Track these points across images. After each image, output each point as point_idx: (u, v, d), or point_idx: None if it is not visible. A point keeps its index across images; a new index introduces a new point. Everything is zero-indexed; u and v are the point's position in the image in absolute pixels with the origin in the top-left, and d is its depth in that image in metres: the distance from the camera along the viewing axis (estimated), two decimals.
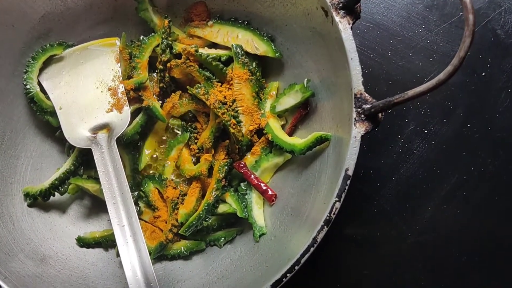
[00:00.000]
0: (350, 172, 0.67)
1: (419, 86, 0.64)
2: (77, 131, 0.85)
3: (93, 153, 0.82)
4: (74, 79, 0.88)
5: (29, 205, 0.86)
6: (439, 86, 0.62)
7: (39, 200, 0.86)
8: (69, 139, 0.85)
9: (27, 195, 0.85)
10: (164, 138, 0.92)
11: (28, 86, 0.85)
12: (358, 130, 0.68)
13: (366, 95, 0.68)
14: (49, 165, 0.91)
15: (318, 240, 0.67)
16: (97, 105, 0.86)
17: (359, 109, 0.68)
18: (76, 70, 0.88)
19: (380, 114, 0.68)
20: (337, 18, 0.70)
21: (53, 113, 0.87)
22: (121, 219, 0.77)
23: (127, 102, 0.86)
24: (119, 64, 0.88)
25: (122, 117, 0.85)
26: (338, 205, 0.67)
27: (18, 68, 0.86)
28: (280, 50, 0.87)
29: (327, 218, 0.66)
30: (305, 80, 0.82)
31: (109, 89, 0.87)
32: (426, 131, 0.94)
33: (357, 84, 0.69)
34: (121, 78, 0.87)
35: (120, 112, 0.86)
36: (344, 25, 0.70)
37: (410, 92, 0.65)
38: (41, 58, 0.86)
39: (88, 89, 0.87)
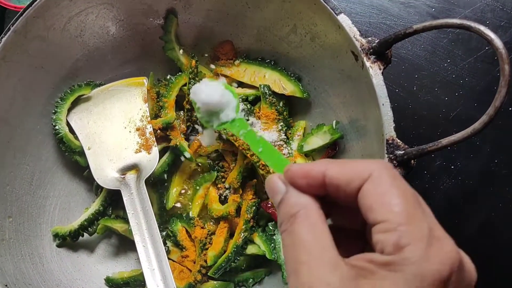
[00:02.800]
0: None
1: (453, 135, 0.63)
2: (106, 172, 0.85)
3: (122, 194, 0.82)
4: (102, 118, 0.88)
5: (58, 246, 0.86)
6: (474, 135, 0.62)
7: (68, 240, 0.86)
8: (98, 180, 0.85)
9: (56, 236, 0.85)
10: (191, 176, 0.92)
11: (57, 127, 0.85)
12: None
13: (398, 141, 0.68)
14: (77, 204, 0.91)
15: None
16: (126, 145, 0.86)
17: (392, 155, 0.67)
18: (104, 110, 0.88)
19: (412, 161, 0.68)
20: (367, 63, 0.70)
21: (82, 153, 0.87)
22: (151, 262, 0.77)
23: (156, 143, 0.86)
24: (147, 103, 0.88)
25: (151, 158, 0.85)
26: None
27: (47, 108, 0.86)
28: (308, 90, 0.87)
29: None
30: (334, 121, 0.82)
31: (137, 129, 0.87)
32: (452, 167, 0.94)
33: (389, 130, 0.68)
34: (149, 118, 0.87)
35: (149, 153, 0.86)
36: (375, 70, 0.69)
37: (444, 141, 0.64)
38: (69, 99, 0.86)
39: (116, 129, 0.87)
